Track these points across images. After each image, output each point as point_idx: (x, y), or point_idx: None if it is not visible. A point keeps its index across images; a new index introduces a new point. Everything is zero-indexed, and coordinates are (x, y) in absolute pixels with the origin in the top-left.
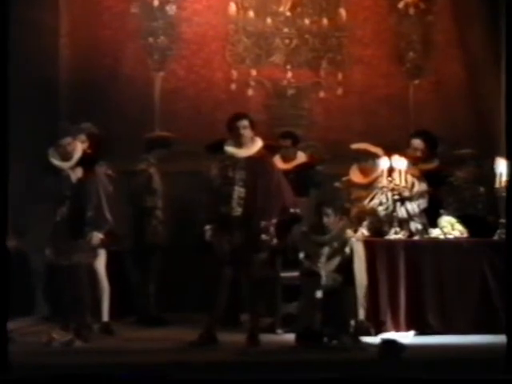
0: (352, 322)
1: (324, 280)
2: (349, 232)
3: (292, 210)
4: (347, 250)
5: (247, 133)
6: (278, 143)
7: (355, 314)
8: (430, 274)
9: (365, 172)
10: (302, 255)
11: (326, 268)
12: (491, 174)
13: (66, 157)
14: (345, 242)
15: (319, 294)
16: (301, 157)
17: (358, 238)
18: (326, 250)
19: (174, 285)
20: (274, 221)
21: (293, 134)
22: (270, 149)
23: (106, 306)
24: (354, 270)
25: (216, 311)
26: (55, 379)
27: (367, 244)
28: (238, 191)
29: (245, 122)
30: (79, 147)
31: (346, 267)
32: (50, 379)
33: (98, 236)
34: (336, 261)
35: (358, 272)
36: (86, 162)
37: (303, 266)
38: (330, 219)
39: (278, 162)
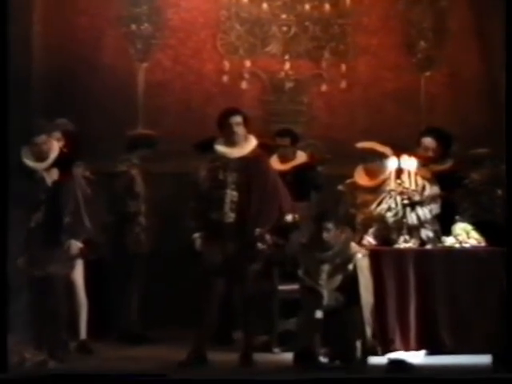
0: (358, 344)
1: (326, 300)
2: (353, 246)
3: (290, 216)
4: (350, 266)
5: (240, 130)
6: (274, 142)
7: (360, 336)
8: (444, 287)
9: (371, 174)
10: (301, 271)
11: (327, 286)
12: (511, 175)
13: (40, 157)
14: (348, 258)
15: (319, 314)
16: (300, 157)
17: (363, 254)
18: (326, 267)
19: (159, 298)
20: (271, 228)
21: (291, 132)
22: (265, 148)
23: (83, 322)
24: (360, 288)
25: (206, 328)
26: (55, 379)
27: (373, 253)
28: (231, 195)
29: (238, 119)
30: (55, 146)
31: (349, 285)
32: (49, 379)
33: (76, 244)
34: (338, 278)
35: (363, 291)
36: (62, 162)
37: (303, 282)
38: (331, 234)
39: (275, 163)
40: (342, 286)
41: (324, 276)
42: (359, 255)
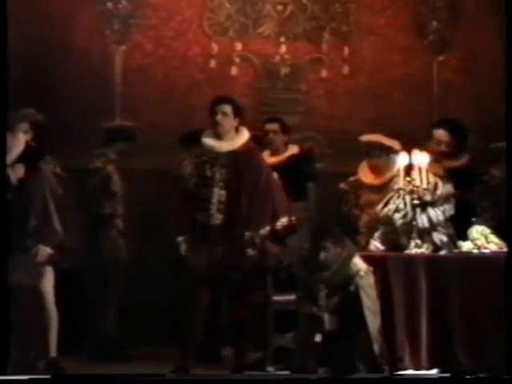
0: (360, 366)
1: (327, 324)
2: (355, 264)
3: (285, 219)
4: (352, 287)
5: (227, 121)
6: (263, 130)
7: (363, 359)
8: (459, 298)
9: (377, 170)
10: (298, 288)
11: (327, 308)
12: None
13: None
14: (349, 277)
15: (318, 338)
16: (292, 148)
17: (365, 271)
18: (325, 287)
19: (138, 311)
20: (263, 231)
21: (280, 120)
22: (258, 141)
23: (53, 337)
24: (364, 311)
25: (191, 344)
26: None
27: (380, 260)
28: (218, 194)
29: (224, 108)
30: (21, 139)
31: (349, 308)
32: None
33: (45, 250)
34: (334, 300)
35: (368, 314)
36: (29, 157)
37: (300, 297)
38: (329, 253)
39: (265, 157)
40: (340, 309)
41: (323, 297)
42: (361, 273)
